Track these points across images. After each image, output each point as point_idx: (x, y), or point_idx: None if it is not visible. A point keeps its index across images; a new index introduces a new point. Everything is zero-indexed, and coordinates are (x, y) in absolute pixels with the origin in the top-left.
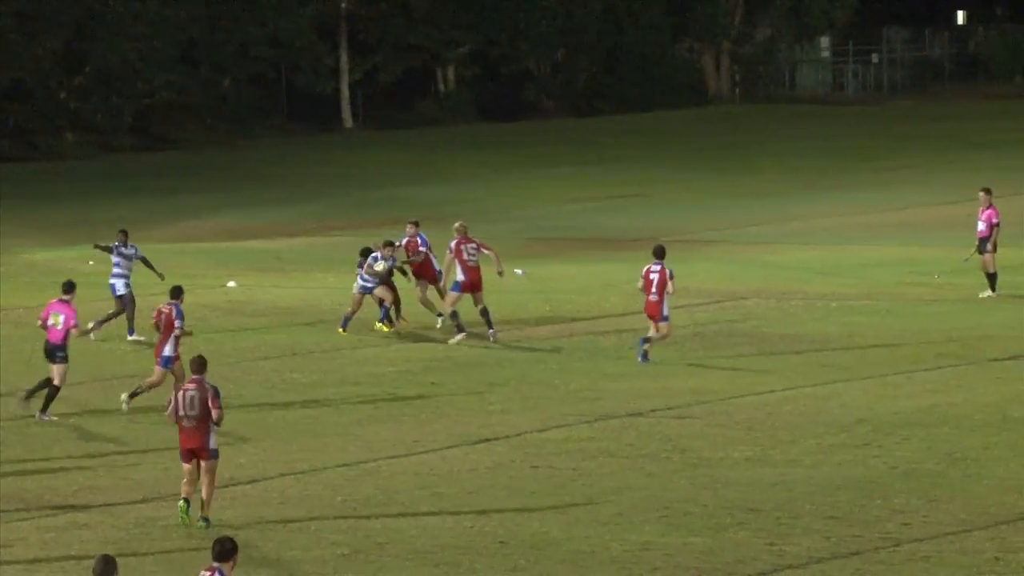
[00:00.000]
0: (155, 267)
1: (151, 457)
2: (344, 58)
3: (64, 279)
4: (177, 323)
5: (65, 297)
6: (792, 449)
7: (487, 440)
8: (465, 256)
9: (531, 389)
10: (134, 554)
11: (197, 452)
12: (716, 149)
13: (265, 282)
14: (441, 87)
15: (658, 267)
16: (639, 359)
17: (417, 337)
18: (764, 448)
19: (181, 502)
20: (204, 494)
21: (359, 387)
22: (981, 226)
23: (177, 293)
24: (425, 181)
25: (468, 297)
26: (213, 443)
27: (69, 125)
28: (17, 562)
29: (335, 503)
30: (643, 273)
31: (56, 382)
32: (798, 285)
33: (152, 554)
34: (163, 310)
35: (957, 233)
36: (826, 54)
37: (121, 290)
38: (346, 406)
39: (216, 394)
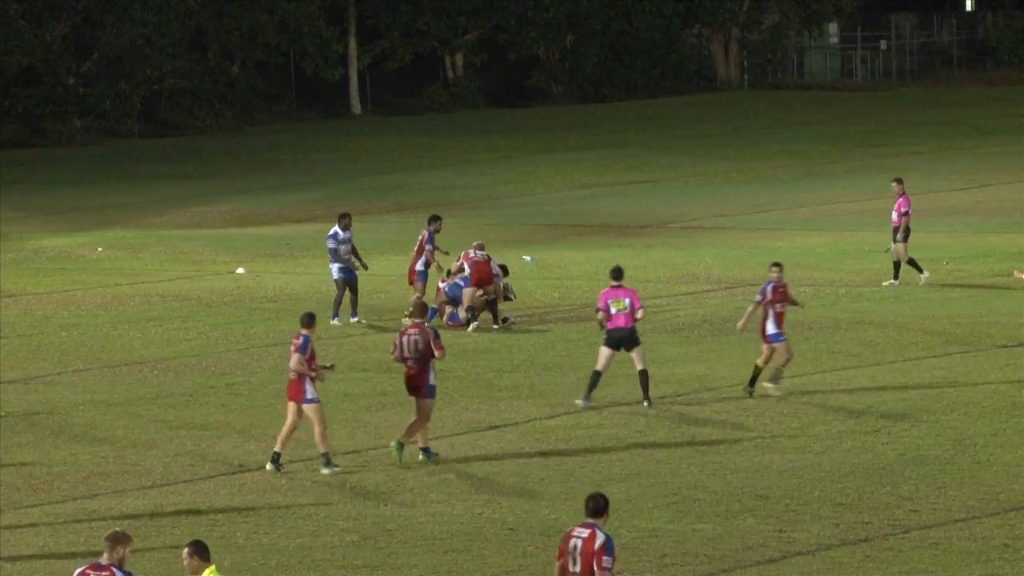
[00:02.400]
0: (360, 257)
1: (160, 444)
2: (352, 44)
3: (71, 265)
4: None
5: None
6: (800, 436)
7: (496, 427)
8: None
9: (540, 376)
10: (144, 543)
11: (418, 389)
12: (724, 135)
13: (274, 268)
14: (449, 73)
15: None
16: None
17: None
18: (773, 435)
19: (393, 443)
20: (417, 426)
21: (368, 373)
22: (895, 216)
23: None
24: (433, 167)
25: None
26: (431, 380)
27: (77, 111)
28: (24, 553)
29: (344, 490)
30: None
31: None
32: (806, 271)
33: (162, 534)
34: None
35: (965, 219)
36: (834, 40)
37: (336, 274)
38: (355, 393)
39: (436, 336)
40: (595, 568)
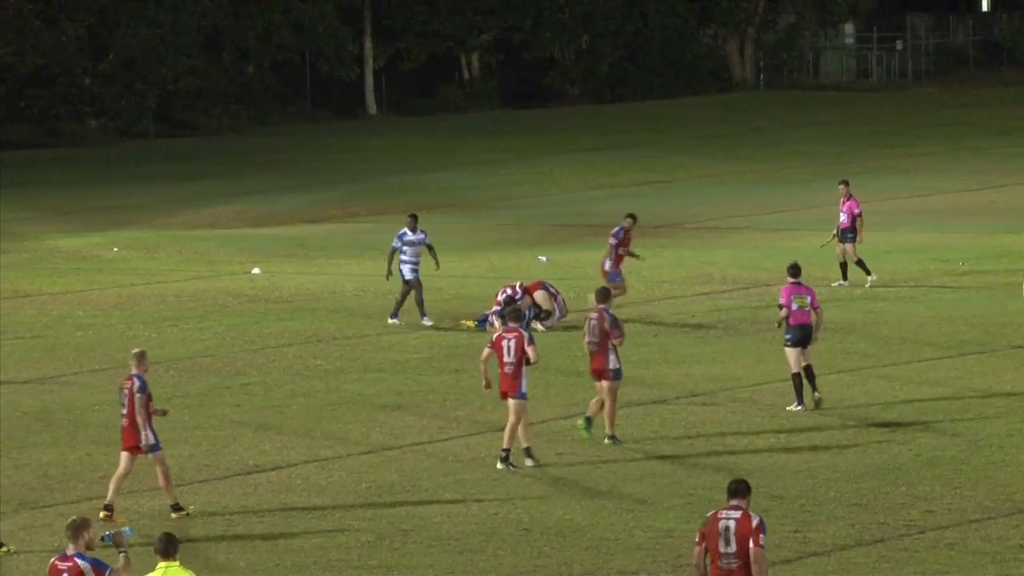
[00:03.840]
0: (436, 255)
1: (175, 445)
2: (368, 44)
3: (86, 265)
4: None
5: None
6: (816, 436)
7: None
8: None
9: (555, 376)
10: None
11: (601, 373)
12: (739, 136)
13: (288, 268)
14: (465, 74)
15: (513, 334)
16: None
17: (441, 325)
18: (788, 435)
19: (581, 420)
20: (606, 412)
21: (383, 374)
22: (843, 217)
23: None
24: (448, 167)
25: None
26: (612, 364)
27: (92, 111)
28: (43, 550)
29: (359, 490)
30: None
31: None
32: (821, 272)
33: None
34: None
35: (980, 219)
36: (850, 41)
37: (408, 275)
38: (370, 393)
39: (614, 322)
40: (752, 547)
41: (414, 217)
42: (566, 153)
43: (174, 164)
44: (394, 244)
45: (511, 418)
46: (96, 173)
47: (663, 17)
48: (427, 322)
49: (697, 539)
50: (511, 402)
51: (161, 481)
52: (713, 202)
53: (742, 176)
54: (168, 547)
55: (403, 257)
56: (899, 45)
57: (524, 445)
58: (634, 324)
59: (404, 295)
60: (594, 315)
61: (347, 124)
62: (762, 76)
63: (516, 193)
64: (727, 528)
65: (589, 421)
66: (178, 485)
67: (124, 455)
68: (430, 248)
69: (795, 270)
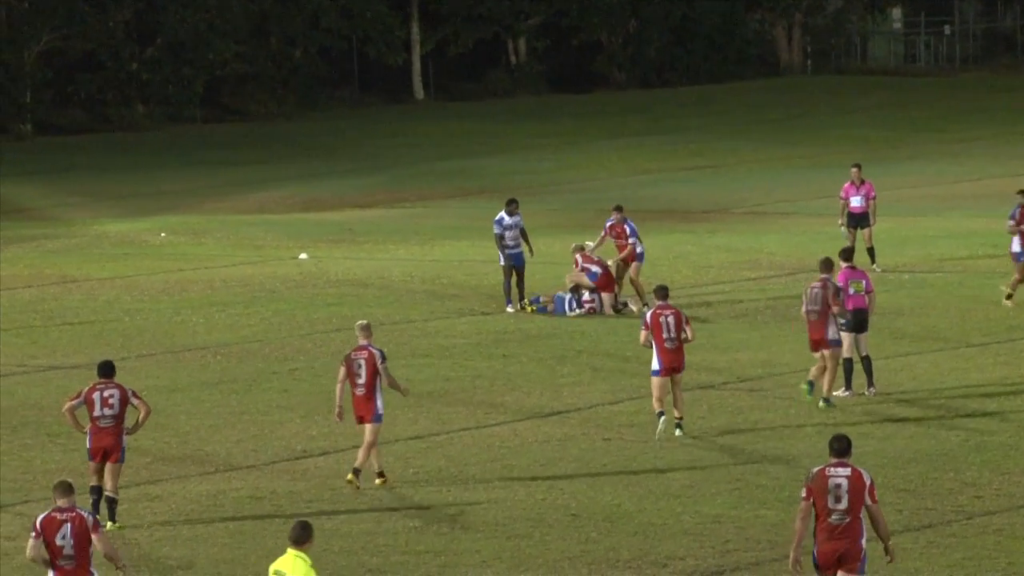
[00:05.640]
0: (529, 241)
1: (223, 430)
2: (415, 29)
3: (134, 250)
4: None
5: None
6: (863, 422)
7: (558, 413)
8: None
9: (602, 361)
10: (206, 524)
11: (820, 343)
12: (787, 120)
13: (336, 254)
14: (512, 58)
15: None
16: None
17: (487, 310)
18: (836, 421)
19: (804, 384)
20: (827, 379)
21: (430, 359)
22: (858, 201)
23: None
24: (495, 152)
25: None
26: (831, 334)
27: (140, 96)
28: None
29: (407, 475)
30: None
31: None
32: (862, 259)
33: (224, 522)
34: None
35: None
36: (898, 25)
37: (503, 260)
38: (417, 379)
39: (837, 292)
40: (870, 503)
41: (513, 202)
42: (614, 138)
43: (221, 149)
44: (496, 231)
45: (677, 391)
46: (144, 158)
47: (710, 2)
48: (510, 309)
49: (804, 495)
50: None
51: (367, 450)
52: (761, 187)
53: (790, 161)
54: (301, 535)
55: (503, 242)
56: (947, 30)
57: (677, 415)
58: (681, 308)
59: (510, 278)
60: (817, 284)
61: (394, 109)
62: (809, 61)
63: (564, 178)
64: (838, 485)
65: (811, 385)
66: (226, 470)
67: (363, 427)
68: (523, 233)
69: (848, 254)
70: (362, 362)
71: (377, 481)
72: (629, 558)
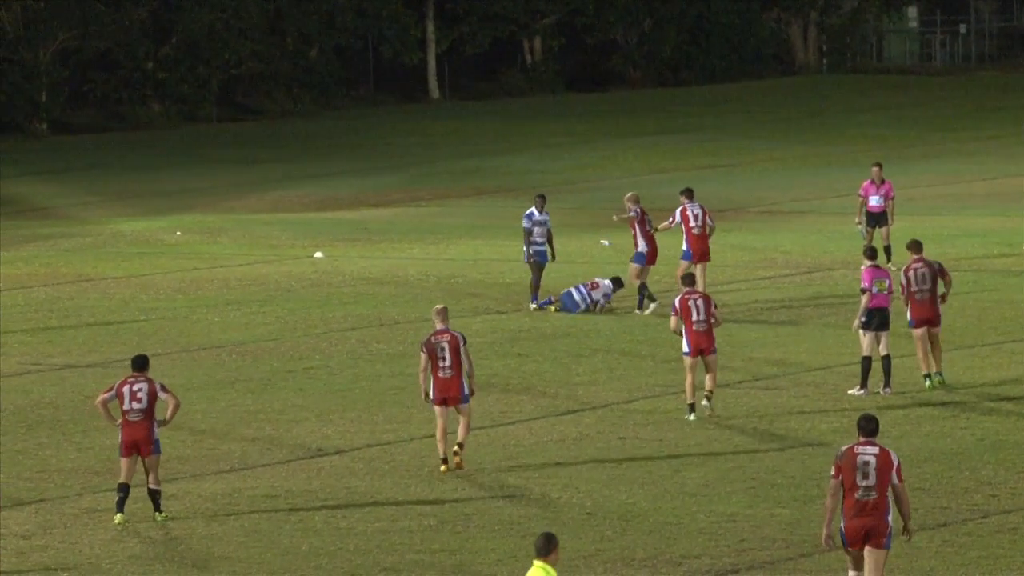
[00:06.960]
0: (553, 244)
1: (238, 429)
2: (431, 28)
3: (150, 249)
4: None
5: None
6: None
7: (573, 411)
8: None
9: (617, 360)
10: (221, 522)
11: (932, 320)
12: (802, 119)
13: (351, 253)
14: (527, 57)
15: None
16: None
17: (503, 309)
18: (850, 419)
19: (926, 383)
20: (935, 355)
21: None
22: (876, 200)
23: None
24: (511, 151)
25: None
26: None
27: (155, 95)
28: (103, 537)
29: (422, 474)
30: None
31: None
32: (884, 255)
33: (239, 520)
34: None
35: None
36: (913, 24)
37: (537, 257)
38: None
39: (943, 267)
40: (896, 482)
41: (542, 197)
42: (629, 137)
43: (237, 148)
44: (525, 225)
45: (710, 372)
46: (159, 157)
47: (726, 1)
48: (532, 306)
49: (833, 472)
50: (710, 358)
51: (464, 429)
52: (777, 186)
53: (806, 160)
54: (546, 546)
55: (537, 240)
56: (963, 29)
57: (708, 389)
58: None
59: (539, 274)
60: (918, 264)
61: (410, 108)
62: (825, 60)
63: (579, 177)
64: (866, 463)
65: (928, 376)
66: (241, 469)
67: (438, 410)
68: (549, 234)
69: (872, 252)
70: (445, 345)
71: (455, 450)
72: (644, 557)
